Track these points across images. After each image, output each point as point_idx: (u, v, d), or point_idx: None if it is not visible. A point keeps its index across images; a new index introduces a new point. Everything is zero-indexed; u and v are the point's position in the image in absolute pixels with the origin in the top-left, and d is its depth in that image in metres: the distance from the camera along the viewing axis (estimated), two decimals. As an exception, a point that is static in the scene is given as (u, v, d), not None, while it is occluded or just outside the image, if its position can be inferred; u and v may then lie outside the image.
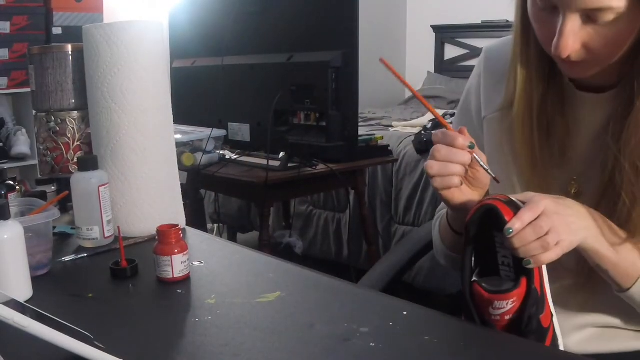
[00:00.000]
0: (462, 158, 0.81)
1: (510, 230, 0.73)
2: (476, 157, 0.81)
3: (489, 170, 0.82)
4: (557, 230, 0.74)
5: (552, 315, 0.78)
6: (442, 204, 1.01)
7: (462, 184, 0.83)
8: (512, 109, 0.91)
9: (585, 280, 0.89)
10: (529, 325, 0.74)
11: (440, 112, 3.18)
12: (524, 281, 0.74)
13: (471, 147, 0.81)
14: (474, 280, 0.77)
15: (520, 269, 0.75)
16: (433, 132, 0.84)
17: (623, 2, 0.72)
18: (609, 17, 0.73)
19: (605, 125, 0.86)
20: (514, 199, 0.78)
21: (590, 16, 0.75)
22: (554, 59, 0.83)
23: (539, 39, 0.83)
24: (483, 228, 0.78)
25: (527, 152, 0.90)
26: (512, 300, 0.73)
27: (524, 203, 0.76)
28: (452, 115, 2.61)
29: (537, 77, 0.87)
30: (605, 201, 0.84)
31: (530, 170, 0.90)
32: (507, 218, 0.73)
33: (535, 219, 0.74)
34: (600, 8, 0.73)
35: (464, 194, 0.84)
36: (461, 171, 0.82)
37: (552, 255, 0.74)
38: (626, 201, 0.80)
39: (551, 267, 0.79)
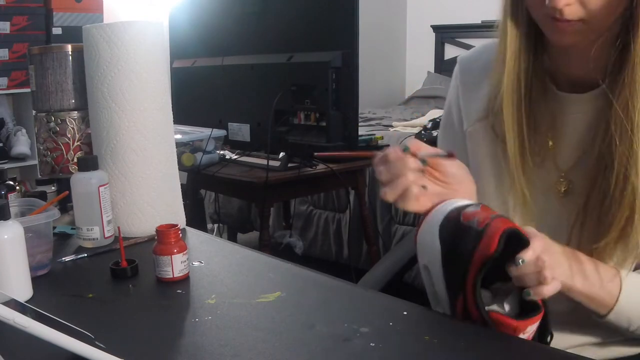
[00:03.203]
0: (408, 165, 0.77)
1: (524, 261, 0.71)
2: (421, 154, 0.77)
3: (441, 152, 0.79)
4: (551, 267, 0.74)
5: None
6: None
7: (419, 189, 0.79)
8: (489, 118, 0.90)
9: (577, 303, 0.88)
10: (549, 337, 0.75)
11: (439, 112, 3.17)
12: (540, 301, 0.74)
13: (406, 150, 0.77)
14: (493, 310, 0.74)
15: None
16: (374, 161, 0.80)
17: None
18: None
19: (589, 126, 0.85)
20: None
21: None
22: (543, 28, 0.81)
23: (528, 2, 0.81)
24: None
25: (517, 143, 0.87)
26: (539, 321, 0.74)
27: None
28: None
29: (524, 49, 0.85)
30: (594, 198, 0.83)
31: (519, 168, 0.87)
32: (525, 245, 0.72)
33: None
34: None
35: (429, 197, 0.80)
36: (415, 178, 0.78)
37: (551, 289, 0.74)
38: (615, 197, 0.79)
39: None
